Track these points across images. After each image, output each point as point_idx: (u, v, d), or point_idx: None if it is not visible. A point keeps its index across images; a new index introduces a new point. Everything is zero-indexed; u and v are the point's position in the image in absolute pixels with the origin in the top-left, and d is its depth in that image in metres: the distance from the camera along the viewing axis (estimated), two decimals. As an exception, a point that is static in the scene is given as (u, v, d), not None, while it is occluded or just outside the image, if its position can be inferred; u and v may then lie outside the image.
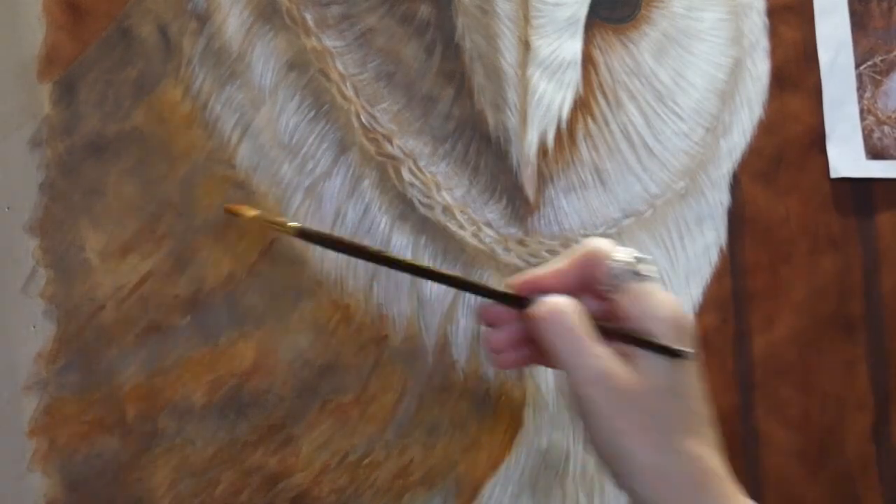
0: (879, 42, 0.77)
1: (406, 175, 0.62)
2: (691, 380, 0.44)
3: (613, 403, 0.42)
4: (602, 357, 0.43)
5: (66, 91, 0.54)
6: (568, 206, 0.66)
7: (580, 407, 0.43)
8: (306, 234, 0.51)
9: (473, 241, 0.64)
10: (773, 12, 0.74)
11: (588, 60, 0.68)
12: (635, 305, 0.44)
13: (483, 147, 0.64)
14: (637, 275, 0.45)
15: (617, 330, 0.44)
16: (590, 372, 0.42)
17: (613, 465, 0.43)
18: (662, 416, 0.42)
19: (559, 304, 0.44)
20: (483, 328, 0.49)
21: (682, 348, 0.43)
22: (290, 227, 0.50)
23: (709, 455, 0.43)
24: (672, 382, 0.43)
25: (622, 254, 0.46)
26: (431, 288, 0.62)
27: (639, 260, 0.45)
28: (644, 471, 0.42)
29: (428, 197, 0.63)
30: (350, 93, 0.62)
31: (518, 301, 0.47)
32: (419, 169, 0.63)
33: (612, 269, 0.45)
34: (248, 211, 0.52)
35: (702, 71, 0.71)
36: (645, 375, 0.43)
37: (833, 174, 0.74)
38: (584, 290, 0.46)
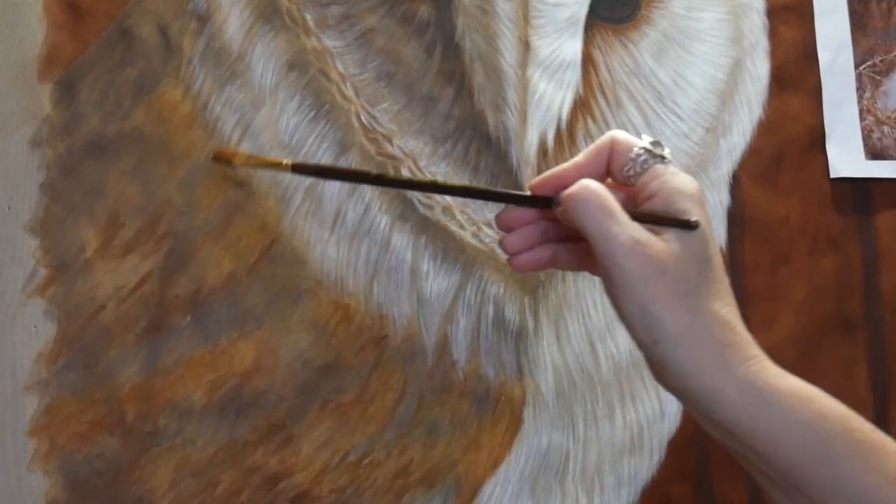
0: (879, 42, 0.77)
1: (406, 175, 0.62)
2: (715, 249, 0.46)
3: (647, 270, 0.43)
4: (634, 228, 0.44)
5: (67, 91, 0.54)
6: (568, 206, 0.66)
7: (615, 276, 0.44)
8: (303, 168, 0.51)
9: (473, 241, 0.64)
10: (773, 12, 0.74)
11: (588, 60, 0.68)
12: (663, 184, 0.46)
13: (483, 147, 0.64)
14: (660, 158, 0.47)
15: (634, 212, 0.46)
16: (625, 240, 0.43)
17: (647, 332, 0.44)
18: (693, 282, 0.44)
19: (589, 184, 0.45)
20: (502, 235, 0.49)
21: (692, 219, 0.45)
22: (285, 164, 0.50)
23: (734, 318, 0.45)
24: (700, 251, 0.45)
25: (643, 141, 0.47)
26: (431, 288, 0.62)
27: (657, 145, 0.47)
28: (677, 333, 0.43)
29: (428, 197, 0.63)
30: (350, 93, 0.62)
31: (542, 201, 0.47)
32: (419, 169, 0.63)
33: (635, 154, 0.47)
34: (238, 155, 0.52)
35: (702, 71, 0.71)
36: (677, 244, 0.44)
37: (833, 174, 0.74)
38: (603, 180, 0.48)
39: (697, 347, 0.44)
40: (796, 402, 0.43)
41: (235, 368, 0.58)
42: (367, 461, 0.60)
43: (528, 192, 0.48)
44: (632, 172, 0.47)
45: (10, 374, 0.52)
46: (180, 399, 0.56)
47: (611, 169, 0.48)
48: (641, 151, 0.47)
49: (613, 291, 0.45)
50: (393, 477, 0.61)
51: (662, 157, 0.47)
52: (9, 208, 0.53)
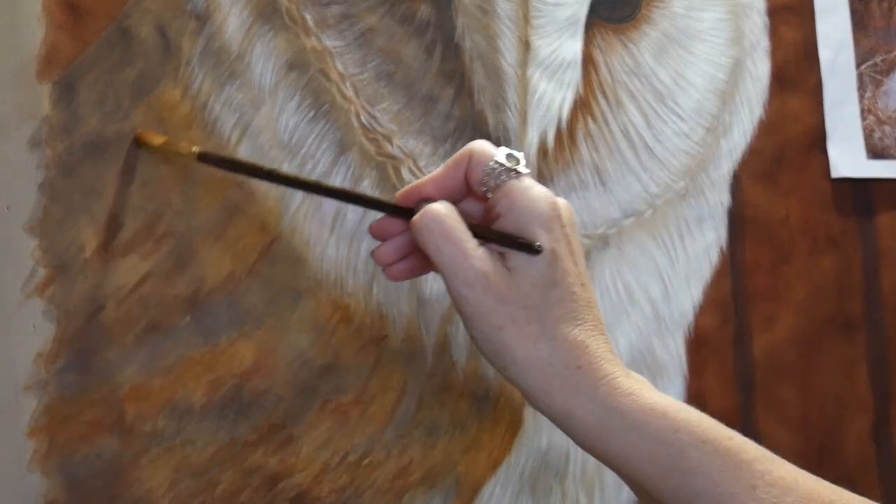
0: (880, 42, 0.76)
1: (406, 175, 0.62)
2: (568, 266, 0.45)
3: (491, 302, 0.44)
4: (477, 258, 0.44)
5: (66, 91, 0.54)
6: (568, 206, 0.66)
7: (461, 308, 0.45)
8: (206, 158, 0.52)
9: (473, 241, 0.64)
10: (773, 12, 0.74)
11: (588, 60, 0.68)
12: (512, 203, 0.46)
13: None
14: (513, 172, 0.46)
15: (481, 230, 0.46)
16: (468, 274, 0.44)
17: (496, 358, 0.45)
18: (538, 309, 0.44)
19: (434, 211, 0.45)
20: (374, 245, 0.50)
21: (536, 243, 0.45)
22: (191, 153, 0.52)
23: (588, 337, 0.45)
24: (547, 273, 0.45)
25: (499, 153, 0.47)
26: (431, 288, 0.62)
27: (511, 158, 0.47)
28: (524, 362, 0.44)
29: (428, 197, 0.63)
30: (350, 93, 0.62)
31: (404, 212, 0.48)
32: (419, 169, 0.63)
33: (490, 168, 0.46)
34: (155, 138, 0.54)
35: (702, 71, 0.71)
36: (519, 271, 0.44)
37: (833, 174, 0.74)
38: (465, 193, 0.48)
39: (545, 372, 0.44)
40: (647, 418, 0.43)
41: (235, 368, 0.58)
42: (366, 461, 0.60)
43: (392, 202, 0.48)
44: (486, 187, 0.47)
45: (9, 374, 0.52)
46: (180, 399, 0.56)
47: (469, 182, 0.47)
48: (496, 165, 0.46)
49: (463, 320, 0.45)
50: (393, 477, 0.61)
51: (516, 171, 0.46)
52: (8, 208, 0.53)
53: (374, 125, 0.62)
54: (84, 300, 0.54)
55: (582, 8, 0.67)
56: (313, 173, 0.60)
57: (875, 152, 0.75)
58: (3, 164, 0.53)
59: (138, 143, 0.55)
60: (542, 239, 0.45)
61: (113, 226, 0.55)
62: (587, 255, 0.67)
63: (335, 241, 0.60)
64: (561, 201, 0.47)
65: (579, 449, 0.66)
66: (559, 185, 0.66)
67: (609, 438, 0.43)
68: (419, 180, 0.48)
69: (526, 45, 0.64)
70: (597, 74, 0.68)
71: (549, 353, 0.44)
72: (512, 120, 0.63)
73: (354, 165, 0.61)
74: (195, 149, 0.53)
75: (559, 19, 0.66)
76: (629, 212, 0.68)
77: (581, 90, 0.67)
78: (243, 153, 0.58)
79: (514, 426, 0.64)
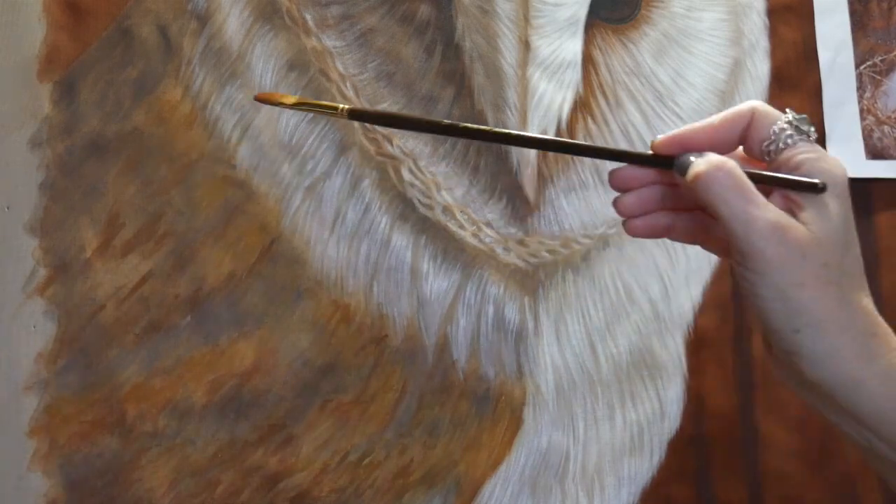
0: (879, 42, 0.77)
1: (406, 175, 0.62)
2: (856, 240, 0.44)
3: (789, 256, 0.41)
4: (772, 211, 0.42)
5: (67, 91, 0.54)
6: (568, 206, 0.66)
7: (753, 262, 0.42)
8: (359, 115, 0.47)
9: (473, 241, 0.64)
10: (773, 12, 0.74)
11: (588, 60, 0.68)
12: (808, 163, 0.43)
13: (483, 147, 0.64)
14: (806, 135, 0.44)
15: (757, 174, 0.43)
16: (764, 224, 0.41)
17: (788, 319, 0.42)
18: (836, 269, 0.42)
19: (723, 162, 0.42)
20: (616, 194, 0.47)
21: (818, 182, 0.42)
22: (343, 110, 0.45)
23: (873, 308, 0.43)
24: (843, 234, 0.43)
25: (787, 116, 0.45)
26: (431, 288, 0.62)
27: (803, 121, 0.45)
28: (821, 321, 0.41)
29: (428, 197, 0.63)
30: (350, 93, 0.62)
31: (663, 161, 0.45)
32: (419, 169, 0.63)
33: (779, 129, 0.44)
34: (287, 98, 0.47)
35: (702, 71, 0.71)
36: (819, 227, 0.42)
37: (833, 174, 0.74)
38: (732, 150, 0.46)
39: (841, 336, 0.42)
40: None
41: (235, 368, 0.58)
42: (367, 461, 0.60)
43: (650, 152, 0.45)
44: (773, 148, 0.44)
45: (9, 374, 0.52)
46: (180, 399, 0.56)
47: (748, 140, 0.45)
48: (786, 126, 0.44)
49: (750, 277, 0.42)
50: (393, 477, 0.61)
51: (808, 135, 0.44)
52: (8, 208, 0.53)
53: (375, 125, 0.62)
54: (85, 300, 0.54)
55: (582, 8, 0.67)
56: (313, 173, 0.60)
57: (874, 152, 0.75)
58: (4, 164, 0.53)
59: (263, 100, 0.48)
60: (838, 199, 0.42)
61: (113, 226, 0.55)
62: (587, 255, 0.67)
63: (335, 241, 0.60)
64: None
65: (579, 449, 0.66)
66: (559, 185, 0.66)
67: None
68: (683, 128, 0.45)
69: (526, 45, 0.64)
70: (597, 74, 0.68)
71: (846, 316, 0.42)
72: (512, 120, 0.63)
73: (354, 165, 0.61)
74: (344, 106, 0.45)
75: (559, 19, 0.66)
76: (629, 212, 0.68)
77: (581, 90, 0.67)
78: (244, 153, 0.58)
79: (514, 426, 0.64)
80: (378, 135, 0.62)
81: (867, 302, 0.43)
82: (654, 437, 0.68)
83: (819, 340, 0.42)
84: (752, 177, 0.43)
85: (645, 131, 0.69)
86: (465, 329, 0.63)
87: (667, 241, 0.70)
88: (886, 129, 0.76)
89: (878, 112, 0.76)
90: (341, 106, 0.44)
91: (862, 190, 0.75)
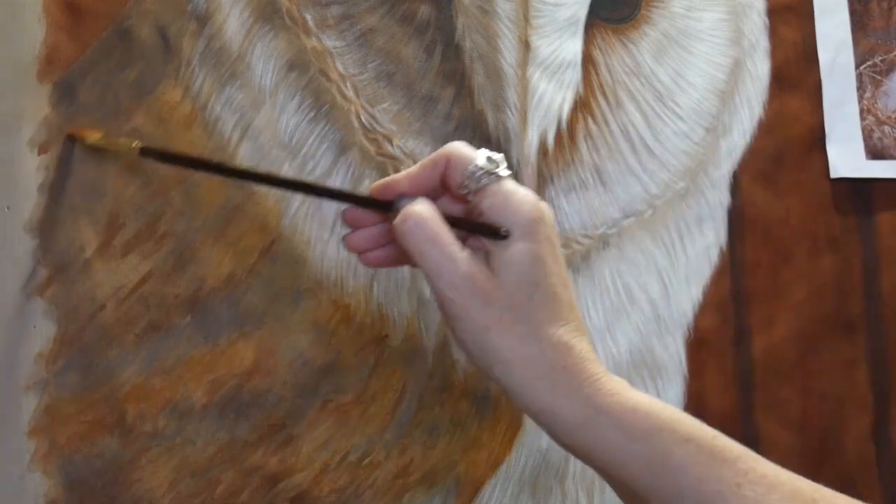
0: (879, 42, 0.77)
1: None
2: (552, 268, 0.46)
3: (476, 304, 0.44)
4: (462, 261, 0.45)
5: (66, 92, 0.54)
6: (568, 206, 0.66)
7: (445, 309, 0.45)
8: (149, 153, 0.51)
9: (473, 242, 0.64)
10: (773, 12, 0.74)
11: (588, 60, 0.68)
12: (492, 206, 0.46)
13: (483, 147, 0.64)
14: (494, 175, 0.46)
15: (451, 218, 0.46)
16: (453, 276, 0.44)
17: (481, 358, 0.45)
18: (523, 309, 0.44)
19: (417, 214, 0.45)
20: (346, 232, 0.50)
21: (502, 229, 0.45)
22: (132, 148, 0.51)
23: (572, 338, 0.45)
24: (531, 274, 0.45)
25: (479, 156, 0.47)
26: (431, 288, 0.63)
27: (492, 161, 0.47)
28: (509, 362, 0.44)
29: (428, 197, 0.63)
30: (350, 93, 0.62)
31: (380, 205, 0.48)
32: (419, 169, 0.63)
33: (469, 171, 0.46)
34: (90, 134, 0.53)
35: (702, 71, 0.72)
36: (504, 271, 0.45)
37: (833, 174, 0.74)
38: (441, 193, 0.48)
39: (530, 372, 0.44)
40: (631, 417, 0.43)
41: (235, 368, 0.58)
42: (367, 461, 0.60)
43: (367, 195, 0.48)
44: (467, 190, 0.47)
45: (9, 374, 0.52)
46: (180, 399, 0.56)
47: (448, 184, 0.47)
48: (476, 169, 0.46)
49: (447, 321, 0.46)
50: (393, 477, 0.61)
51: (496, 175, 0.46)
52: (8, 208, 0.53)
53: (375, 125, 0.62)
54: (84, 300, 0.54)
55: (582, 8, 0.67)
56: (314, 173, 0.60)
57: (874, 152, 0.75)
58: (3, 164, 0.53)
59: (72, 141, 0.54)
60: (523, 240, 0.45)
61: (113, 226, 0.56)
62: (587, 255, 0.67)
63: (336, 241, 0.61)
64: (543, 203, 0.47)
65: (579, 449, 0.66)
66: (559, 185, 0.66)
67: (593, 437, 0.44)
68: (394, 176, 0.48)
69: (526, 45, 0.64)
70: (597, 74, 0.68)
71: (534, 352, 0.44)
72: (512, 120, 0.63)
73: (354, 165, 0.61)
74: (136, 144, 0.51)
75: (559, 19, 0.66)
76: (629, 212, 0.68)
77: (581, 90, 0.67)
78: (244, 153, 0.59)
79: (514, 426, 0.64)
80: (378, 135, 0.62)
81: (563, 333, 0.45)
82: (654, 437, 0.68)
83: (509, 377, 0.45)
84: (451, 221, 0.45)
85: (645, 131, 0.69)
86: (465, 329, 0.63)
87: (667, 241, 0.70)
88: (886, 129, 0.76)
89: (879, 112, 0.76)
90: (134, 144, 0.50)
91: (862, 190, 0.75)
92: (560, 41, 0.66)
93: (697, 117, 0.71)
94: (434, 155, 0.48)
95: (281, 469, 0.58)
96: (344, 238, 0.50)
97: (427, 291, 0.62)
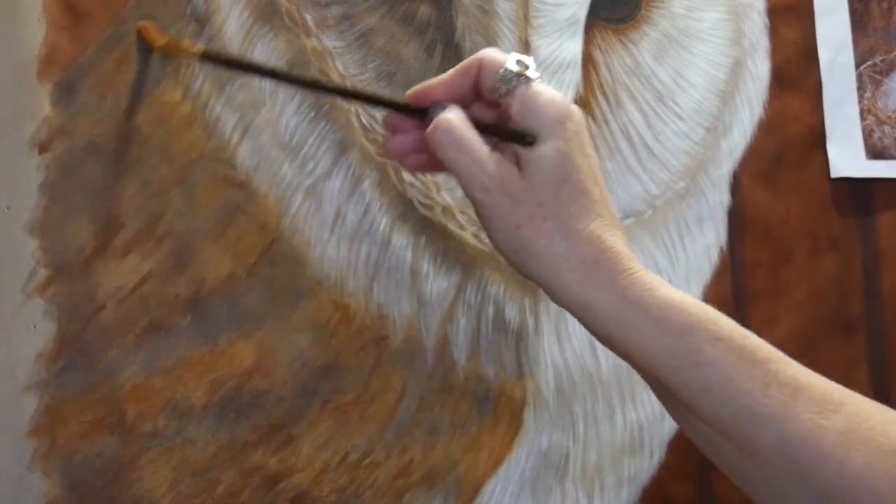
0: (879, 42, 0.77)
1: (406, 175, 0.62)
2: (580, 163, 0.46)
3: (507, 203, 0.45)
4: (490, 163, 0.46)
5: (67, 92, 0.54)
6: (568, 207, 0.66)
7: (479, 211, 0.47)
8: (209, 57, 0.54)
9: (474, 242, 0.64)
10: (773, 12, 0.74)
11: (588, 60, 0.68)
12: (521, 106, 0.47)
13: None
14: (524, 78, 0.47)
15: (480, 124, 0.47)
16: (482, 179, 0.46)
17: (515, 256, 0.47)
18: (552, 205, 0.45)
19: (446, 122, 0.46)
20: (388, 136, 0.51)
21: (528, 135, 0.46)
22: (195, 52, 0.54)
23: (604, 233, 0.46)
24: (557, 171, 0.46)
25: (509, 60, 0.48)
26: (431, 288, 0.63)
27: (522, 63, 0.48)
28: (541, 257, 0.45)
29: (428, 197, 0.63)
30: (350, 93, 0.61)
31: (414, 111, 0.49)
32: (419, 169, 0.63)
33: (501, 75, 0.47)
34: (157, 38, 0.56)
35: (702, 71, 0.72)
36: (532, 170, 0.46)
37: (833, 174, 0.74)
38: (474, 99, 0.49)
39: (562, 266, 0.45)
40: (665, 313, 0.44)
41: (235, 368, 0.58)
42: (367, 461, 0.60)
43: (403, 101, 0.49)
44: (498, 93, 0.48)
45: (9, 374, 0.52)
46: (180, 399, 0.56)
47: (480, 89, 0.48)
48: (506, 72, 0.47)
49: (481, 221, 0.47)
50: (393, 477, 0.61)
51: (526, 77, 0.47)
52: (8, 208, 0.53)
53: (375, 125, 0.62)
54: (84, 300, 0.54)
55: (582, 8, 0.67)
56: (313, 173, 0.60)
57: (875, 152, 0.75)
58: (3, 164, 0.53)
59: (142, 40, 0.56)
60: (551, 138, 0.46)
61: (113, 226, 0.55)
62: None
63: (335, 241, 0.61)
64: (573, 105, 0.48)
65: (580, 449, 0.66)
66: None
67: (627, 330, 0.44)
68: (429, 82, 0.49)
69: (526, 45, 0.64)
70: (597, 74, 0.68)
71: (565, 247, 0.45)
72: (512, 120, 0.63)
73: (355, 165, 0.61)
74: (199, 47, 0.54)
75: (559, 19, 0.66)
76: (629, 212, 0.69)
77: (581, 90, 0.67)
78: (244, 153, 0.59)
79: (514, 426, 0.64)
80: (378, 135, 0.62)
81: (592, 228, 0.46)
82: (654, 437, 0.68)
83: (543, 271, 0.46)
84: (479, 126, 0.47)
85: (645, 131, 0.69)
86: (466, 329, 0.63)
87: (667, 241, 0.70)
88: (887, 129, 0.76)
89: (879, 112, 0.76)
90: (197, 47, 0.55)
91: (862, 190, 0.75)
92: (560, 41, 0.66)
93: (698, 117, 0.71)
94: (467, 61, 0.49)
95: (281, 469, 0.58)
96: (384, 143, 0.52)
97: (427, 291, 0.62)
